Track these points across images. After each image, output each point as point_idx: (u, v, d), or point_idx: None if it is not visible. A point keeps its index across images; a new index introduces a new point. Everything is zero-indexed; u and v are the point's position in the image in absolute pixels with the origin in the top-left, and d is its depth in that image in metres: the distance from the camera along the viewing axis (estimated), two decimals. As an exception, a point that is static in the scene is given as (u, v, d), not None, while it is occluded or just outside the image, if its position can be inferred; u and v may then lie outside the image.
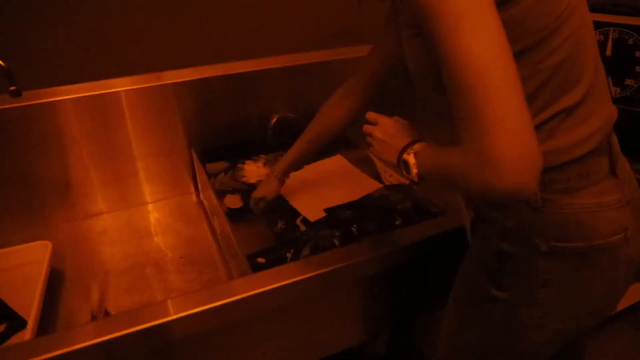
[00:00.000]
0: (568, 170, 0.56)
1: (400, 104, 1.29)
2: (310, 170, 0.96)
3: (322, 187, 1.08)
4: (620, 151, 0.63)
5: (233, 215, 1.00)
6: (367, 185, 1.08)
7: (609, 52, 1.00)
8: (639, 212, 0.61)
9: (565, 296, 0.60)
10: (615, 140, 0.62)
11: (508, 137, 0.46)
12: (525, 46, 0.53)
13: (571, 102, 0.55)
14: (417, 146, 0.62)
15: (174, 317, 0.66)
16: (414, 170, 0.61)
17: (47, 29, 1.01)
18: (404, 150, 0.63)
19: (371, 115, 0.73)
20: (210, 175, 1.10)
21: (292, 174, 0.97)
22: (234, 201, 1.03)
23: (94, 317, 0.85)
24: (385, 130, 0.69)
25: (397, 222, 0.95)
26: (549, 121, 0.56)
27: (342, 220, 0.96)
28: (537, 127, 0.56)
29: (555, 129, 0.56)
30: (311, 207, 1.01)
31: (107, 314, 0.85)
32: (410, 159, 0.61)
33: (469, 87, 0.47)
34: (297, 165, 0.94)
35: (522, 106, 0.47)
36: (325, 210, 0.99)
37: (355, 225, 0.94)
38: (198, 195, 1.21)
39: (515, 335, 0.64)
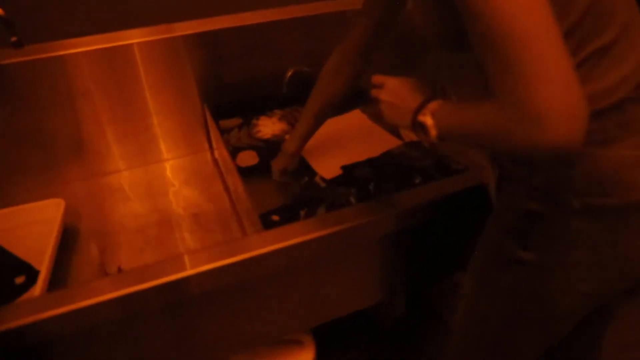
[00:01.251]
0: (605, 118, 0.52)
1: (422, 58, 1.23)
2: (328, 126, 0.94)
3: (339, 144, 1.04)
4: None
5: (249, 172, 0.97)
6: (386, 142, 1.04)
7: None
8: None
9: (598, 258, 0.56)
10: None
11: (554, 86, 0.43)
12: None
13: (605, 41, 0.51)
14: (432, 105, 0.58)
15: (191, 272, 0.65)
16: (433, 132, 0.57)
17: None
18: (418, 111, 0.59)
19: (377, 79, 0.68)
20: (223, 132, 1.07)
21: None
22: (249, 158, 1.01)
23: (106, 274, 0.85)
24: (393, 92, 0.65)
25: (417, 181, 0.92)
26: (583, 64, 0.51)
27: (359, 179, 0.93)
28: None
29: (590, 72, 0.52)
30: (327, 164, 0.98)
31: (119, 270, 0.85)
32: (427, 120, 0.57)
33: (503, 35, 0.44)
34: (308, 138, 0.93)
35: (564, 51, 0.44)
36: (343, 167, 0.96)
37: (372, 184, 0.91)
38: (212, 153, 1.19)
39: (542, 300, 0.61)
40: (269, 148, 1.02)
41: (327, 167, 0.97)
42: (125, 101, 1.06)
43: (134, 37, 1.00)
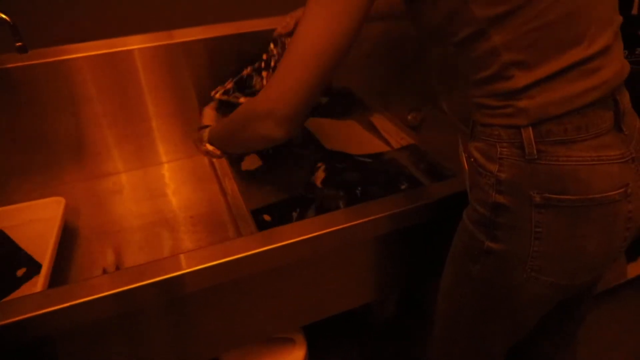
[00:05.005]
0: (565, 121, 0.55)
1: (414, 66, 1.26)
2: (324, 127, 0.98)
3: (342, 134, 1.08)
4: (632, 108, 0.61)
5: (252, 175, 0.99)
6: (376, 147, 1.08)
7: (635, 11, 0.96)
8: None
9: (558, 250, 0.59)
10: (624, 96, 0.60)
11: (282, 94, 0.60)
12: (509, 9, 0.52)
13: (570, 60, 0.54)
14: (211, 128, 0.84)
15: (186, 270, 0.67)
16: (205, 135, 0.82)
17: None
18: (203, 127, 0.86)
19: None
20: None
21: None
22: (253, 161, 1.03)
23: (105, 272, 0.87)
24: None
25: (403, 187, 0.95)
26: (547, 79, 0.55)
27: (348, 182, 0.96)
28: (534, 84, 0.55)
29: (555, 83, 0.55)
30: (330, 138, 1.01)
31: (117, 269, 0.87)
32: (205, 133, 0.82)
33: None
34: None
35: (313, 75, 0.58)
36: (342, 157, 0.99)
37: (359, 188, 0.94)
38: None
39: (510, 288, 0.64)
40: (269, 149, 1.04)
41: (330, 140, 1.00)
42: (126, 105, 1.08)
43: (135, 43, 1.03)
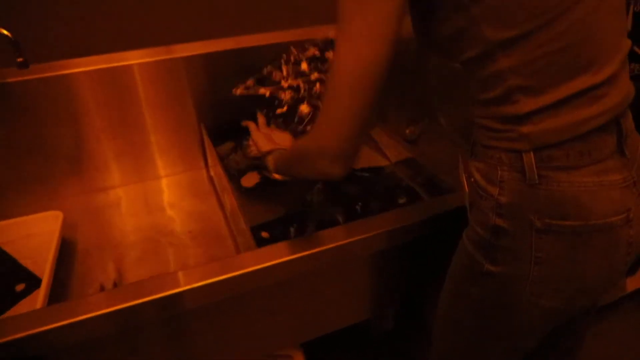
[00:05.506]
0: (567, 147, 0.55)
1: (412, 80, 1.27)
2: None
3: None
4: (635, 130, 0.60)
5: (251, 191, 0.99)
6: (375, 160, 1.08)
7: (629, 27, 0.97)
8: None
9: (558, 275, 0.59)
10: (627, 119, 0.59)
11: (332, 132, 0.58)
12: (520, 33, 0.52)
13: (578, 88, 0.54)
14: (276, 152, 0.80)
15: (184, 288, 0.67)
16: (272, 166, 0.80)
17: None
18: (266, 154, 0.82)
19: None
20: (222, 158, 1.09)
21: None
22: (251, 179, 1.03)
23: (102, 289, 0.86)
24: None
25: (402, 201, 0.95)
26: (552, 106, 0.54)
27: (347, 197, 0.96)
28: (539, 111, 0.55)
29: (560, 110, 0.54)
30: None
31: (115, 285, 0.87)
32: (269, 159, 0.80)
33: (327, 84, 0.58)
34: None
35: (354, 115, 0.56)
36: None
37: (359, 203, 0.93)
38: (208, 171, 1.21)
39: (508, 311, 0.64)
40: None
41: None
42: (124, 119, 1.09)
43: (134, 58, 1.03)
